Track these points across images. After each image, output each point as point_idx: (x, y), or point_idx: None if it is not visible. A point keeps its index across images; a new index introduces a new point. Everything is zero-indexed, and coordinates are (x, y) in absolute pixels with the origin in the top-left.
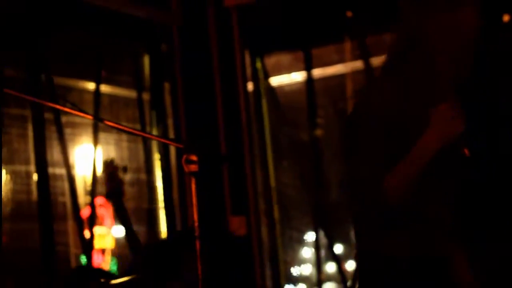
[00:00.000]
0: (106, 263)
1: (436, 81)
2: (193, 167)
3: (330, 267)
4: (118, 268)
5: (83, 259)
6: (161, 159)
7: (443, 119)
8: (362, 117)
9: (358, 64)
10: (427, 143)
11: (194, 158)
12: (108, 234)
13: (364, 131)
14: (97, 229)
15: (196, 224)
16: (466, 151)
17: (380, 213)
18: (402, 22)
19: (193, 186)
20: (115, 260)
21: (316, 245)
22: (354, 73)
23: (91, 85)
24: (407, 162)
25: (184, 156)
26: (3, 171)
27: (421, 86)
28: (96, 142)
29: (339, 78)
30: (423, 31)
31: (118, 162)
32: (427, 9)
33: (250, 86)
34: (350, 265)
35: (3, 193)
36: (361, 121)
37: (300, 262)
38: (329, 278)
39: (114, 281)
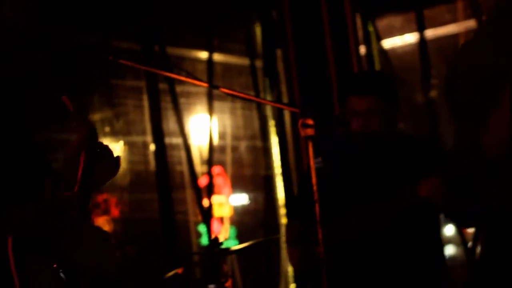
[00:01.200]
0: (225, 231)
1: None
2: (310, 131)
3: (449, 230)
4: (237, 236)
5: (202, 228)
6: (276, 125)
7: None
8: (459, 75)
9: (470, 23)
10: None
11: (310, 122)
12: (226, 203)
13: (462, 88)
14: (215, 198)
15: (315, 188)
16: None
17: (483, 172)
18: None
19: (310, 150)
20: (234, 228)
21: None
22: (467, 32)
23: (203, 54)
24: (500, 115)
25: (300, 121)
26: (122, 142)
27: None
28: (211, 111)
29: (452, 38)
30: None
31: (233, 130)
32: None
33: (362, 49)
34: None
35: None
36: (458, 79)
37: None
38: (449, 241)
39: (235, 247)
